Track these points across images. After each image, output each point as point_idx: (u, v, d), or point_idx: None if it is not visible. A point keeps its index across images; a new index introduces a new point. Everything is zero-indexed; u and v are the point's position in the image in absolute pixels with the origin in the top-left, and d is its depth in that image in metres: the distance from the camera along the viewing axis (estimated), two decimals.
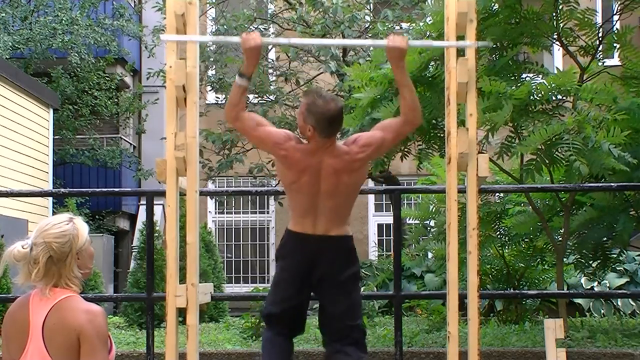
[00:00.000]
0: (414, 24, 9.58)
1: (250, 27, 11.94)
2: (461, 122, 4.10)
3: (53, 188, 13.11)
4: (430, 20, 7.14)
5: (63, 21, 14.33)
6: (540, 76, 7.19)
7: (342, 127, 3.95)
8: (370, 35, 11.82)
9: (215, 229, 15.33)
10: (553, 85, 6.59)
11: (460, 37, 4.06)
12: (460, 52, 4.03)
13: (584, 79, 7.31)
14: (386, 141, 3.99)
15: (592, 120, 6.39)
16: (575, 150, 6.21)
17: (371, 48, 11.28)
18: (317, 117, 3.83)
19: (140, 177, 15.98)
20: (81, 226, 2.92)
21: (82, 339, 2.75)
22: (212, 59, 11.78)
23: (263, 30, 12.33)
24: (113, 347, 2.91)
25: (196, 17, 4.07)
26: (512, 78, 7.04)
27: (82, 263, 2.90)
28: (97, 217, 15.15)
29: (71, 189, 11.63)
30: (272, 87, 12.21)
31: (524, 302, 9.14)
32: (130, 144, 16.99)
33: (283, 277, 4.09)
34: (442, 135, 7.27)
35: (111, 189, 13.55)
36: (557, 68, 8.48)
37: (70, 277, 2.85)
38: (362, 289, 11.25)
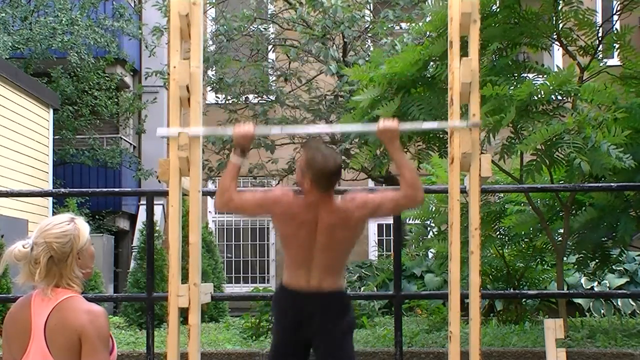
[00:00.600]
0: (413, 24, 9.59)
1: (251, 27, 11.94)
2: None
3: (53, 188, 13.12)
4: (429, 20, 7.13)
5: (63, 21, 14.33)
6: (542, 76, 7.18)
7: (336, 182, 3.91)
8: (370, 35, 11.83)
9: (216, 229, 15.32)
10: (554, 84, 6.58)
11: (464, 38, 4.06)
12: (463, 53, 4.03)
13: (584, 79, 7.31)
14: (382, 208, 3.94)
15: (592, 120, 6.39)
16: (575, 149, 6.21)
17: (371, 48, 11.35)
18: (316, 172, 3.83)
19: (140, 177, 15.98)
20: (82, 226, 2.92)
21: (83, 339, 2.75)
22: (212, 60, 11.78)
23: (263, 30, 12.33)
24: (115, 347, 2.91)
25: (200, 18, 4.07)
26: (513, 78, 7.03)
27: (83, 263, 2.89)
28: (97, 217, 15.15)
29: (71, 189, 11.62)
30: (272, 87, 12.21)
31: (524, 302, 9.15)
32: (130, 143, 16.99)
33: (278, 334, 4.06)
34: (441, 135, 7.27)
35: (111, 189, 13.55)
36: (557, 66, 8.46)
37: (71, 277, 2.85)
38: (363, 289, 11.32)
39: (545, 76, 7.09)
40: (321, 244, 3.88)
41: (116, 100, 15.89)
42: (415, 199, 3.92)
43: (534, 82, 6.79)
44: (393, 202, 3.94)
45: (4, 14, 14.35)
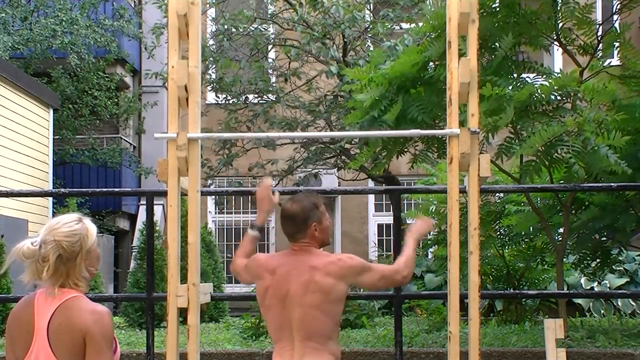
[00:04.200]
0: (414, 25, 9.59)
1: (251, 27, 11.93)
2: (461, 122, 4.10)
3: (53, 188, 13.12)
4: (431, 22, 7.10)
5: (63, 22, 14.33)
6: (542, 76, 7.16)
7: (298, 230, 3.66)
8: (370, 35, 11.82)
9: (215, 229, 15.32)
10: (555, 86, 6.56)
11: (462, 38, 4.05)
12: (462, 53, 4.03)
13: (583, 78, 7.29)
14: (371, 276, 3.68)
15: (592, 121, 6.37)
16: (574, 152, 6.20)
17: (371, 48, 11.34)
18: (280, 217, 3.77)
19: (141, 175, 15.96)
20: (90, 226, 2.92)
21: (87, 339, 2.75)
22: (212, 59, 11.78)
23: (263, 30, 12.32)
24: (118, 348, 2.91)
25: (198, 17, 4.05)
26: (512, 79, 7.02)
27: (89, 263, 2.89)
28: (97, 217, 15.14)
29: (71, 189, 11.60)
30: (272, 87, 12.19)
31: (524, 302, 9.15)
32: (130, 143, 16.99)
33: None
34: (440, 136, 7.26)
35: (111, 189, 13.51)
36: (560, 70, 8.44)
37: (79, 276, 2.85)
38: (363, 289, 11.29)
39: (545, 76, 7.07)
40: (296, 299, 3.57)
41: (116, 100, 15.89)
42: (405, 278, 3.77)
43: (534, 82, 6.77)
44: (382, 276, 3.70)
45: (4, 14, 14.36)
